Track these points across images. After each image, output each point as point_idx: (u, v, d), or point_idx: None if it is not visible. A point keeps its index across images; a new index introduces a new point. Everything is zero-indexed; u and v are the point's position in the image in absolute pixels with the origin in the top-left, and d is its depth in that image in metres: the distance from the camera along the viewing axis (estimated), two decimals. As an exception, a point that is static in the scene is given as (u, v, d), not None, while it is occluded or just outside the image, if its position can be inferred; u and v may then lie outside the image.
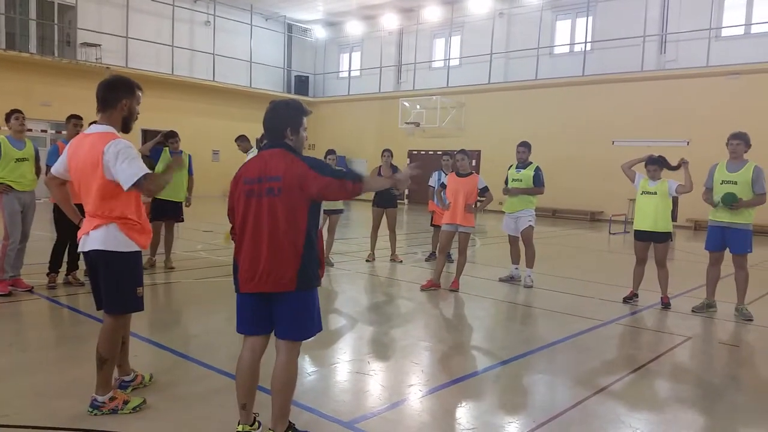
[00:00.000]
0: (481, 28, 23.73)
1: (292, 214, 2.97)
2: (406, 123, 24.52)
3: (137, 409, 3.55)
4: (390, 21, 26.17)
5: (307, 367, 4.51)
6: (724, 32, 18.83)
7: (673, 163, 7.05)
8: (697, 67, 18.52)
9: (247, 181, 3.06)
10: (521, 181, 8.20)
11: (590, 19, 21.10)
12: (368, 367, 4.66)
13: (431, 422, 3.67)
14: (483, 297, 7.48)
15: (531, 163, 8.28)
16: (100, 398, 3.49)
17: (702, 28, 18.58)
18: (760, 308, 6.98)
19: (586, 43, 21.13)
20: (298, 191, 2.96)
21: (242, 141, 9.54)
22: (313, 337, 3.18)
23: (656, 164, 7.01)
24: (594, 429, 3.61)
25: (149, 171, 3.34)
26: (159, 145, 8.17)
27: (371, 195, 9.95)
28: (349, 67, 28.77)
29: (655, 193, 7.00)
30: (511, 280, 8.34)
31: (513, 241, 8.44)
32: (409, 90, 25.70)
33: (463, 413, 3.84)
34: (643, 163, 7.15)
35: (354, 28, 27.66)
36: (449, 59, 25.02)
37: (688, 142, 17.81)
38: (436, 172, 9.92)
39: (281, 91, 27.85)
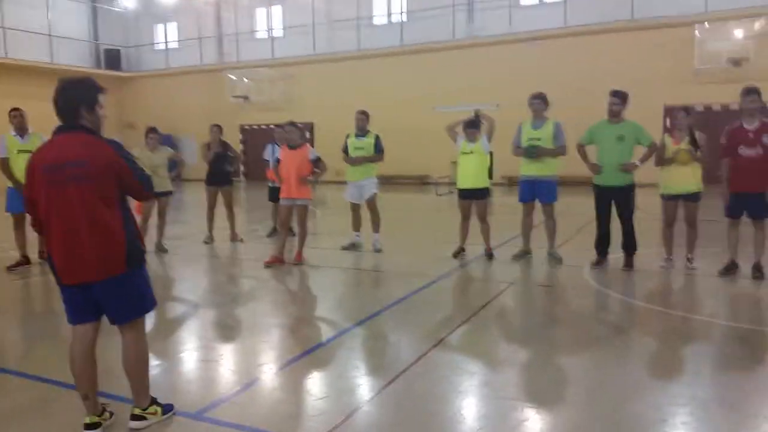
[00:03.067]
0: (302, -2, 23.47)
1: (106, 197, 2.93)
2: (234, 96, 23.68)
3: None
4: (206, -11, 24.83)
5: (147, 362, 4.26)
6: (523, 1, 20.59)
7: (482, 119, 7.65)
8: (501, 34, 20.08)
9: (46, 170, 2.91)
10: (363, 149, 8.35)
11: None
12: (215, 352, 4.53)
13: (284, 398, 3.69)
14: (327, 267, 7.59)
15: (369, 131, 8.46)
16: None
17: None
18: (567, 250, 7.89)
19: (401, 13, 21.91)
20: (107, 174, 2.92)
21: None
22: (150, 312, 3.23)
23: (473, 128, 7.56)
24: (436, 378, 3.87)
25: None
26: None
27: (203, 173, 9.56)
28: (165, 39, 26.90)
29: (473, 153, 7.57)
30: (352, 247, 8.53)
31: (355, 208, 8.60)
32: (234, 62, 24.76)
33: (315, 383, 3.91)
34: (462, 125, 7.68)
35: (167, -4, 25.81)
36: (272, 30, 24.47)
37: (497, 105, 19.34)
38: (270, 145, 9.74)
39: (90, 67, 25.27)
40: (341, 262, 7.87)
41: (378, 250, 8.29)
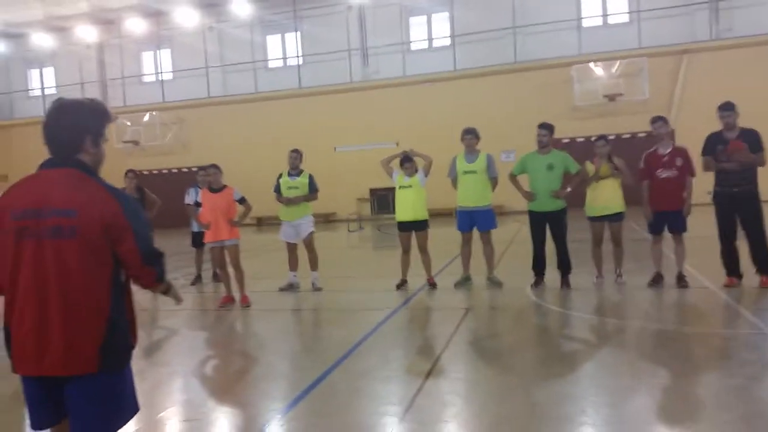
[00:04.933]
0: (192, 42, 23.05)
1: (93, 264, 2.21)
2: (123, 142, 22.50)
3: None
4: (87, 33, 23.62)
5: None
6: (414, 47, 21.71)
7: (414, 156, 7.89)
8: (395, 77, 20.96)
9: (15, 216, 2.19)
10: (298, 188, 8.24)
11: (298, 34, 22.29)
12: (203, 413, 4.19)
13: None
14: (273, 309, 7.35)
15: (302, 170, 8.39)
16: None
17: (395, 42, 21.12)
18: (504, 274, 8.09)
19: (298, 57, 22.24)
20: (99, 233, 2.20)
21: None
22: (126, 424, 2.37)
23: (410, 162, 7.78)
24: (440, 408, 3.88)
25: None
26: None
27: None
28: (42, 85, 25.14)
29: (411, 186, 7.76)
30: (290, 287, 8.30)
31: (291, 248, 8.42)
32: (120, 107, 23.61)
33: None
34: (398, 160, 7.88)
35: (43, 40, 24.19)
36: (161, 73, 23.72)
37: (397, 143, 19.99)
38: (192, 189, 9.37)
39: (-50, 116, 22.98)
40: (284, 303, 7.65)
41: (318, 289, 8.15)
